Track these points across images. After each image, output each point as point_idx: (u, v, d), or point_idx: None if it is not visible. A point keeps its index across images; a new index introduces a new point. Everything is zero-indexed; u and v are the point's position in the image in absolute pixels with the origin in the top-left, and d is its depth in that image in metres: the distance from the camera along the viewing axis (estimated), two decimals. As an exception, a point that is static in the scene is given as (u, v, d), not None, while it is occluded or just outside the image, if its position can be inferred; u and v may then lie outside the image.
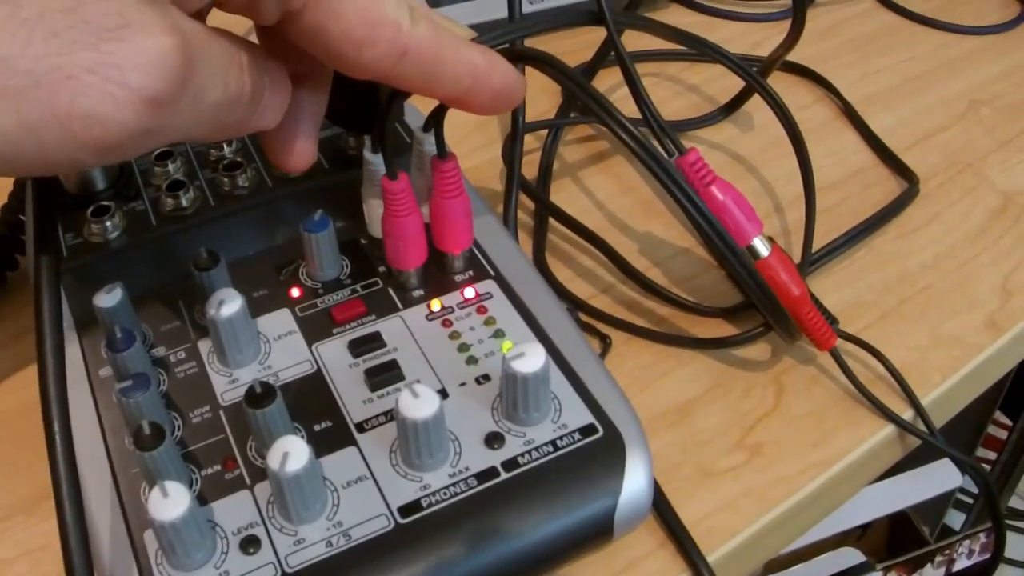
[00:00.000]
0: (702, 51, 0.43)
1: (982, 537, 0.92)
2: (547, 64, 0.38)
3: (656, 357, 0.44)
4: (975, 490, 0.97)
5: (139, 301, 0.39)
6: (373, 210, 0.40)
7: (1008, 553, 1.02)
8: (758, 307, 0.41)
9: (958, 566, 0.93)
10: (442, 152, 0.38)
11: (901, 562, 0.89)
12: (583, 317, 0.45)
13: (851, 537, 0.92)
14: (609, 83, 0.59)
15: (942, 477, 0.88)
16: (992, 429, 0.97)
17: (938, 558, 0.91)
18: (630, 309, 0.46)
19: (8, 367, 0.43)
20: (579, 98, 0.36)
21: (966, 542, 0.92)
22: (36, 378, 0.35)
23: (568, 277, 0.48)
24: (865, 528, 0.93)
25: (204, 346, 0.38)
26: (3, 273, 0.47)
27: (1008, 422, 0.97)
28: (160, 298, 0.40)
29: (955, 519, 1.01)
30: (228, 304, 0.36)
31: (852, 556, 0.86)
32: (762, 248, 0.41)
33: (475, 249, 0.41)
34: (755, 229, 0.41)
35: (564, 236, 0.50)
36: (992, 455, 0.99)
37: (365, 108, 0.42)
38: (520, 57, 0.39)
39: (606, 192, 0.52)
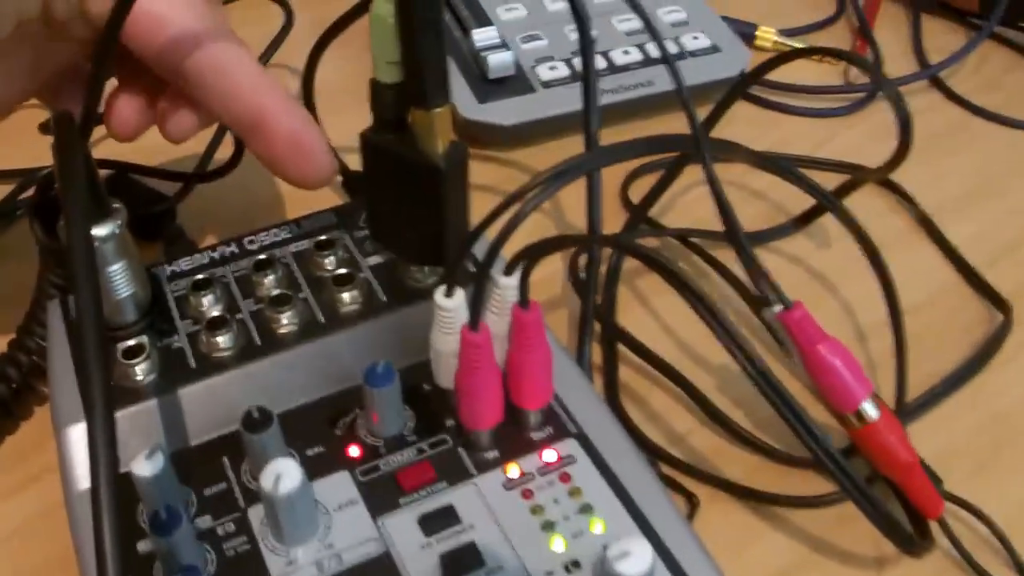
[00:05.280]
0: (796, 181, 0.40)
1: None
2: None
3: (748, 516, 0.40)
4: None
5: (178, 457, 0.35)
6: (443, 360, 0.36)
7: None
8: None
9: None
10: (525, 301, 0.34)
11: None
12: (663, 468, 0.41)
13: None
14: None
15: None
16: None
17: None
18: (715, 458, 0.42)
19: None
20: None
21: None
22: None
23: (642, 418, 0.43)
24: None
25: (255, 515, 0.33)
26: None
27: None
28: (202, 454, 0.35)
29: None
30: (287, 479, 0.31)
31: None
32: (871, 411, 0.37)
33: (553, 402, 0.37)
34: (864, 391, 0.37)
35: (632, 365, 0.45)
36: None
37: (431, 239, 0.38)
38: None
39: (676, 316, 0.48)
